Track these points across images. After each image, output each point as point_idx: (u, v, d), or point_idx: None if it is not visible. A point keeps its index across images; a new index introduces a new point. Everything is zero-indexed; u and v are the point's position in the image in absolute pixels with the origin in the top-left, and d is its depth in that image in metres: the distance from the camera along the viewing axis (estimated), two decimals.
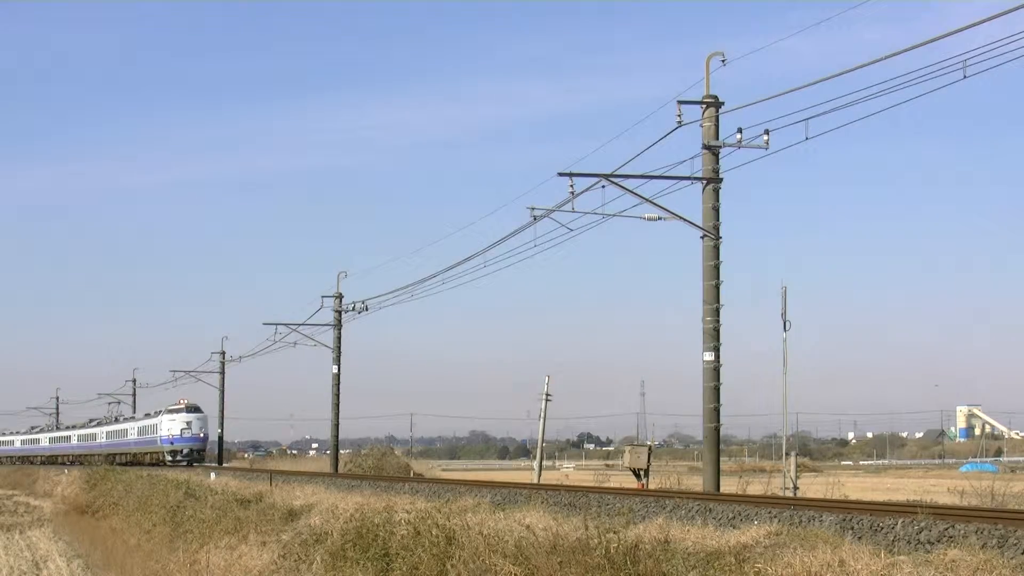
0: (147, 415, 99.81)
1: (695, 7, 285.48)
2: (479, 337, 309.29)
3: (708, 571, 15.14)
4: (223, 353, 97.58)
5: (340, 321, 65.78)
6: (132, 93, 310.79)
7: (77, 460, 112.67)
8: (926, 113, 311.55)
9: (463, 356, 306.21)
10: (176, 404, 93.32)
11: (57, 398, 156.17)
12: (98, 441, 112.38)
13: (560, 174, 33.82)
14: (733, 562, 15.07)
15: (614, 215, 34.24)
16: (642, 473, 38.40)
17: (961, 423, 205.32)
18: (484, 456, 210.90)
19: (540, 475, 51.15)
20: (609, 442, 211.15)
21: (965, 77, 25.32)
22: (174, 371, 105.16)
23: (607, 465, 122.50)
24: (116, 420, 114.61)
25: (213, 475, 54.25)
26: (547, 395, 51.79)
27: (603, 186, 33.72)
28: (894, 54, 27.03)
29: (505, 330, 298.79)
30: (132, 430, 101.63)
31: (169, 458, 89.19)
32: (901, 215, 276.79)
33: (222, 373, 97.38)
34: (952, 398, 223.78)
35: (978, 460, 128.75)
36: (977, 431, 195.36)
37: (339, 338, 65.72)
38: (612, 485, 43.28)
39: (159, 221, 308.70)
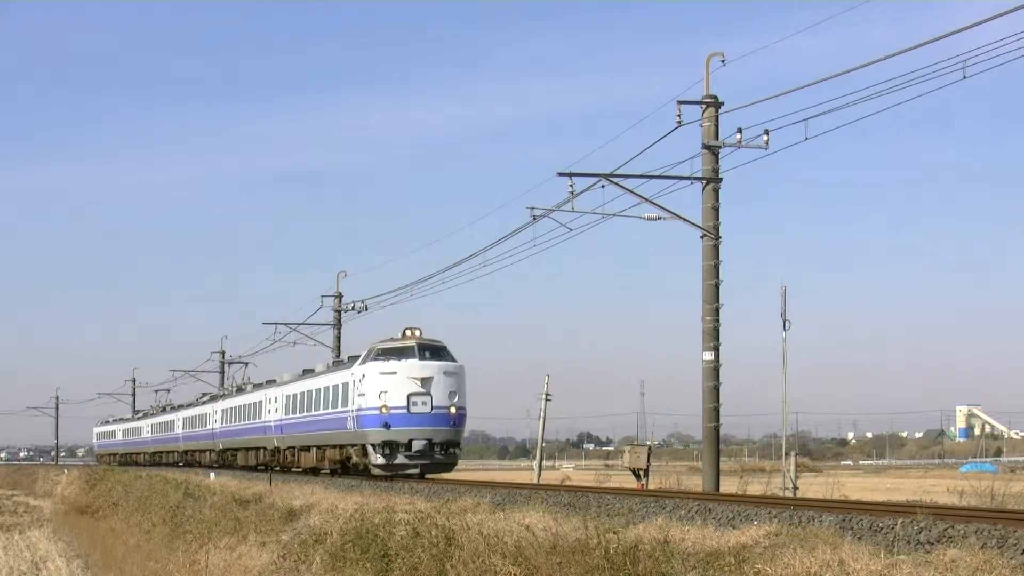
0: (306, 373, 52.67)
1: (695, 7, 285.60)
2: (479, 337, 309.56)
3: (708, 571, 15.13)
4: (223, 353, 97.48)
5: (340, 321, 65.78)
6: (132, 93, 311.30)
7: (183, 460, 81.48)
8: (926, 113, 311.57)
9: (462, 356, 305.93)
10: (396, 338, 43.18)
11: (57, 398, 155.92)
12: (208, 427, 71.96)
13: (560, 174, 33.85)
14: (733, 562, 15.06)
15: (614, 215, 34.27)
16: (641, 473, 38.38)
17: (961, 423, 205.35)
18: (484, 456, 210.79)
19: (540, 475, 51.14)
20: (609, 442, 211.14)
21: (965, 77, 25.27)
22: (174, 371, 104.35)
23: (607, 465, 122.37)
24: (240, 390, 67.94)
25: (212, 475, 54.28)
26: (547, 395, 51.74)
27: (603, 186, 33.74)
28: (894, 54, 27.03)
29: (505, 330, 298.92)
30: (276, 402, 54.91)
31: (379, 460, 41.56)
32: (901, 215, 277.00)
33: (222, 373, 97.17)
34: (952, 398, 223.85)
35: (978, 460, 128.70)
36: (977, 431, 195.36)
37: (339, 338, 65.71)
38: (611, 485, 43.26)
39: (159, 221, 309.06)
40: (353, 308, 64.06)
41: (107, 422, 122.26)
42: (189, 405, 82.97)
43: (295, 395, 51.94)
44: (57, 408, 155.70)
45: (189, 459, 79.43)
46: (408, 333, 42.90)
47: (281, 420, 53.85)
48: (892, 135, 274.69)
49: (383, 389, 41.58)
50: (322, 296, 66.11)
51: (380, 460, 41.45)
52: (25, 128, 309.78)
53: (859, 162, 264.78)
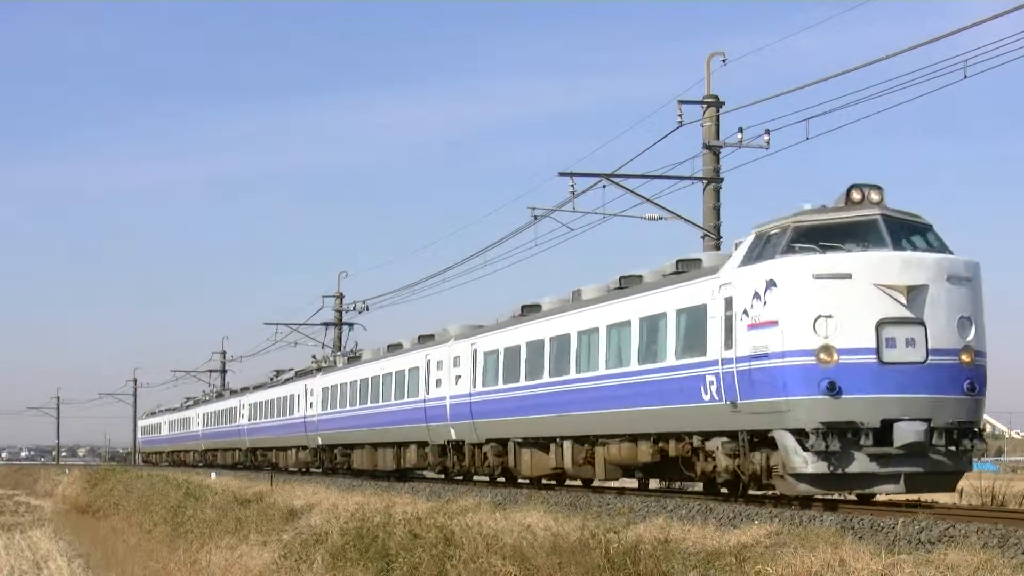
0: (528, 311, 32.03)
1: (695, 7, 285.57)
2: None
3: (708, 571, 15.13)
4: (223, 353, 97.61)
5: (341, 321, 65.84)
6: (132, 93, 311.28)
7: (249, 460, 63.04)
8: (927, 113, 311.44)
9: None
10: (831, 207, 21.84)
11: (58, 398, 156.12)
12: (296, 414, 51.80)
13: (561, 174, 33.95)
14: (733, 562, 15.06)
15: (615, 215, 34.33)
16: None
17: None
18: None
19: None
20: None
21: (966, 77, 25.24)
22: (175, 371, 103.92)
23: None
24: (354, 359, 48.49)
25: (213, 474, 54.26)
26: None
27: (604, 186, 33.83)
28: (895, 54, 27.09)
29: None
30: (457, 366, 35.14)
31: (811, 463, 20.49)
32: None
33: (223, 373, 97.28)
34: None
35: (978, 460, 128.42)
36: None
37: (339, 338, 65.75)
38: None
39: (159, 221, 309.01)
40: (354, 308, 64.16)
41: (152, 414, 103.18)
42: (259, 387, 63.08)
43: (510, 350, 31.68)
44: (58, 408, 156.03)
45: (258, 460, 60.85)
46: (856, 195, 21.75)
47: (470, 396, 33.64)
48: (893, 135, 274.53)
49: (822, 311, 20.80)
50: (323, 296, 66.20)
51: (814, 464, 20.75)
52: (25, 128, 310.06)
53: (860, 162, 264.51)
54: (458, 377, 34.79)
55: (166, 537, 35.87)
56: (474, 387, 33.75)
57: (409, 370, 38.92)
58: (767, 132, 31.97)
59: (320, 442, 48.82)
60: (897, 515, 17.41)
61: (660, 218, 33.54)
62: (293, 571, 23.91)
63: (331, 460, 48.03)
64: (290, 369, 59.62)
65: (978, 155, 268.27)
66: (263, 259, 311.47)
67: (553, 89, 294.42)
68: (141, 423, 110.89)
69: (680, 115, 32.58)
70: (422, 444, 38.01)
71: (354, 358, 48.73)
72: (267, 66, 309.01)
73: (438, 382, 36.32)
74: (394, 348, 42.61)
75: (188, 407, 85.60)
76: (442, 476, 37.92)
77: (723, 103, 33.20)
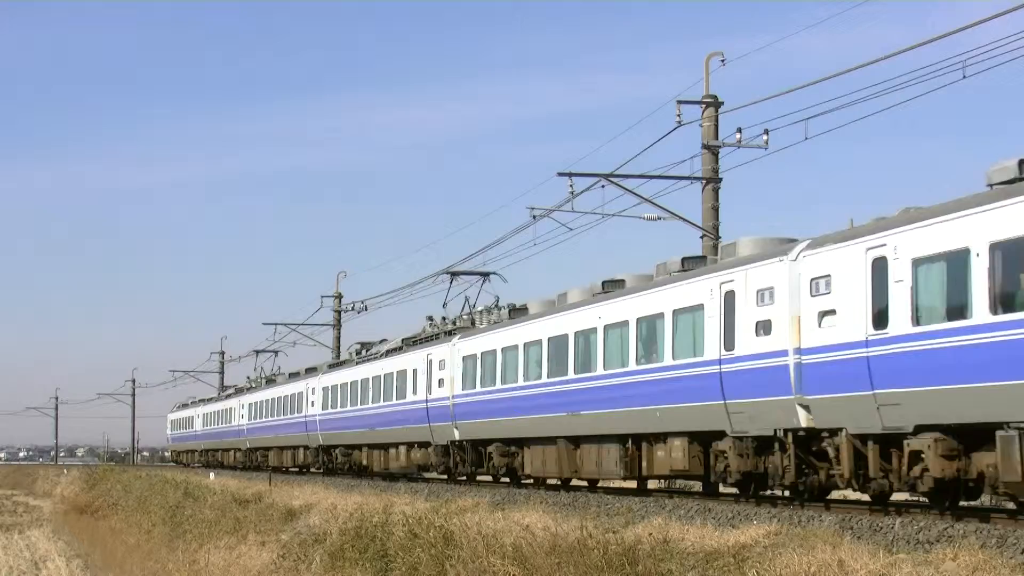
0: None
1: (695, 7, 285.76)
2: None
3: (707, 571, 15.13)
4: (223, 353, 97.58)
5: (340, 321, 65.87)
6: (132, 93, 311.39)
7: (321, 463, 50.14)
8: (926, 113, 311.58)
9: None
10: None
11: (56, 398, 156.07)
12: (412, 398, 37.95)
13: (560, 174, 33.97)
14: (732, 562, 15.06)
15: (614, 215, 34.33)
16: None
17: None
18: None
19: None
20: None
21: (964, 77, 25.23)
22: (174, 371, 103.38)
23: None
24: (513, 316, 33.88)
25: (212, 475, 54.25)
26: None
27: (603, 186, 33.85)
28: (893, 54, 27.09)
29: None
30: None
31: None
32: None
33: (222, 373, 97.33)
34: None
35: None
36: None
37: (339, 338, 65.78)
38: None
39: (159, 221, 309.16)
40: (353, 308, 64.16)
41: (184, 406, 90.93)
42: (335, 366, 49.64)
43: (952, 257, 17.31)
44: (57, 408, 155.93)
45: (336, 462, 47.50)
46: None
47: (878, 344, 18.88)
48: (892, 135, 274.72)
49: None
50: (322, 296, 66.12)
51: None
52: (26, 128, 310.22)
53: (859, 162, 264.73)
54: (832, 312, 19.72)
55: (165, 537, 35.87)
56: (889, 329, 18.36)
57: (676, 312, 24.04)
58: (766, 132, 32.00)
59: (457, 436, 34.79)
60: (896, 515, 17.39)
61: (659, 218, 33.56)
62: (292, 571, 23.91)
63: (476, 462, 34.46)
64: (381, 340, 44.99)
65: (978, 155, 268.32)
66: (263, 259, 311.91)
67: (553, 89, 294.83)
68: (170, 416, 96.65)
69: (679, 115, 32.62)
70: (700, 437, 23.60)
71: (518, 310, 34.11)
72: (267, 67, 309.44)
73: (763, 327, 21.30)
74: (612, 285, 27.95)
75: (228, 396, 72.97)
76: (791, 497, 22.30)
77: (722, 103, 33.24)
